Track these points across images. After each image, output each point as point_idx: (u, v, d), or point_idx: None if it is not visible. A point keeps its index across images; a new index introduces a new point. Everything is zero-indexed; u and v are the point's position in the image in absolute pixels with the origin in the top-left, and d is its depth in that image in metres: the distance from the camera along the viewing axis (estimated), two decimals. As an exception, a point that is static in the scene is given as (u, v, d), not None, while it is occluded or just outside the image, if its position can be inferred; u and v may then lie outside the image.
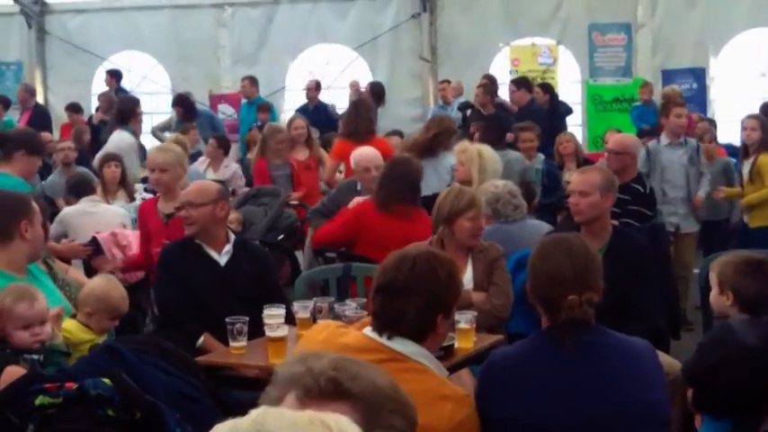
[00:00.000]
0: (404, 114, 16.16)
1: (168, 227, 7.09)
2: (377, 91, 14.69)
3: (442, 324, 3.65)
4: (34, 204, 5.14)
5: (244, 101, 15.91)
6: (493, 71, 16.17)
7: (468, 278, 5.94)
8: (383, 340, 3.59)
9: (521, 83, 13.46)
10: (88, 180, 8.88)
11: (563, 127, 12.81)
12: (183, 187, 7.07)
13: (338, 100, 16.50)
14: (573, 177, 6.30)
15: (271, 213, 9.07)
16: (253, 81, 15.52)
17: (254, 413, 1.82)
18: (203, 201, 6.04)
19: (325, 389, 2.21)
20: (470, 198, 6.06)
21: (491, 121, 11.52)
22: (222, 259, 6.01)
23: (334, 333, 3.77)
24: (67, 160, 10.96)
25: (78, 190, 8.64)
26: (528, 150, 10.52)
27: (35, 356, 4.32)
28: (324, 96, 16.62)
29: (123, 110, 11.55)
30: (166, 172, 7.34)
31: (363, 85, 15.97)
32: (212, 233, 6.04)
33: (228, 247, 6.05)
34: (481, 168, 8.09)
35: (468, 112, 14.31)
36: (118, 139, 11.08)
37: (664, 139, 9.85)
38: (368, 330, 3.68)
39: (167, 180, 7.34)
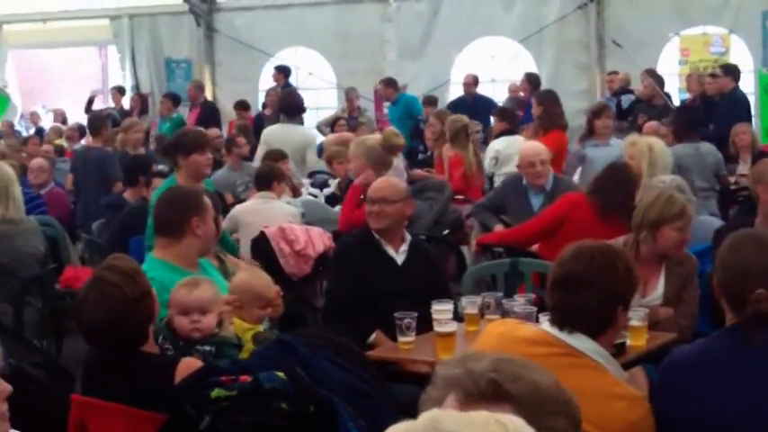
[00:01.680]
0: (570, 107, 15.82)
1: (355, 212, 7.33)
2: (534, 81, 14.54)
3: (621, 316, 3.64)
4: (206, 200, 5.23)
5: (386, 103, 16.06)
6: (662, 62, 15.84)
7: (658, 293, 5.72)
8: (560, 335, 3.57)
9: (729, 69, 13.13)
10: (274, 175, 8.95)
11: (737, 118, 12.44)
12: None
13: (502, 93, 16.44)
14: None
15: (437, 208, 9.03)
16: (387, 83, 15.52)
17: (428, 413, 1.80)
18: (397, 197, 6.08)
19: (485, 391, 2.18)
20: (681, 207, 5.68)
21: (685, 112, 11.23)
22: (399, 258, 6.01)
23: (512, 327, 3.79)
24: (242, 155, 11.20)
25: (262, 181, 8.74)
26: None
27: (207, 348, 4.39)
28: (488, 89, 16.54)
29: (291, 104, 11.68)
30: (350, 162, 7.69)
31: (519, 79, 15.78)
32: (394, 231, 6.05)
33: (405, 247, 6.05)
34: (651, 162, 7.88)
35: (630, 98, 14.09)
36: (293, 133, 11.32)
37: None
38: (546, 325, 3.68)
39: (350, 169, 7.50)
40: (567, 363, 3.45)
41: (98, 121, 12.58)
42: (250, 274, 5.19)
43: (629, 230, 6.07)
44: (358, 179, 7.88)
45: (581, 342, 3.54)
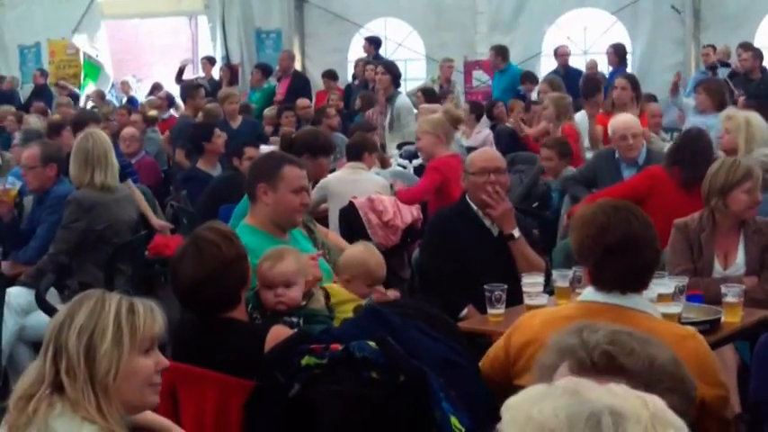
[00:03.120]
0: (665, 80, 15.59)
1: None
2: (620, 53, 14.34)
3: None
4: (284, 170, 5.15)
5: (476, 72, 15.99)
6: (759, 36, 15.48)
7: (739, 262, 5.70)
8: (613, 299, 3.63)
9: None
10: (365, 146, 8.94)
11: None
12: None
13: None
14: None
15: (526, 181, 8.99)
16: (498, 51, 15.34)
17: (567, 380, 1.79)
18: (505, 167, 6.14)
19: (598, 363, 2.17)
20: (747, 169, 5.73)
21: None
22: (495, 229, 5.94)
23: (550, 312, 3.90)
24: (332, 126, 11.25)
25: (354, 152, 8.75)
26: None
27: (294, 319, 4.40)
28: (580, 62, 16.32)
29: (398, 75, 11.76)
30: (420, 140, 7.82)
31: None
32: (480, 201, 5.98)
33: None
34: (748, 137, 7.72)
35: (725, 71, 13.83)
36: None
37: None
38: (590, 294, 3.71)
39: (421, 146, 7.73)
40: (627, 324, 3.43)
41: (187, 91, 12.73)
42: (365, 251, 5.22)
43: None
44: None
45: (634, 301, 3.64)
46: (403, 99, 11.55)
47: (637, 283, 3.66)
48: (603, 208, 3.75)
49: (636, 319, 3.53)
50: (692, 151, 6.97)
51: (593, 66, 15.62)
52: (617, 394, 1.71)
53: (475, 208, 5.96)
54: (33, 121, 12.75)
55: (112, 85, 21.39)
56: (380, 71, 11.73)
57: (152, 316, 2.97)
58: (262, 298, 4.47)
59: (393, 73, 11.63)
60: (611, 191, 7.37)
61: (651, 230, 3.70)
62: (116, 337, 2.88)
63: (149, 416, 3.36)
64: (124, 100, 19.38)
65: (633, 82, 10.10)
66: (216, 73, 18.17)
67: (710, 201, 5.73)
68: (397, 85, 11.63)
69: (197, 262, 4.02)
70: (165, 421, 3.44)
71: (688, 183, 6.77)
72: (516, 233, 5.84)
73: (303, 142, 7.36)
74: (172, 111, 15.80)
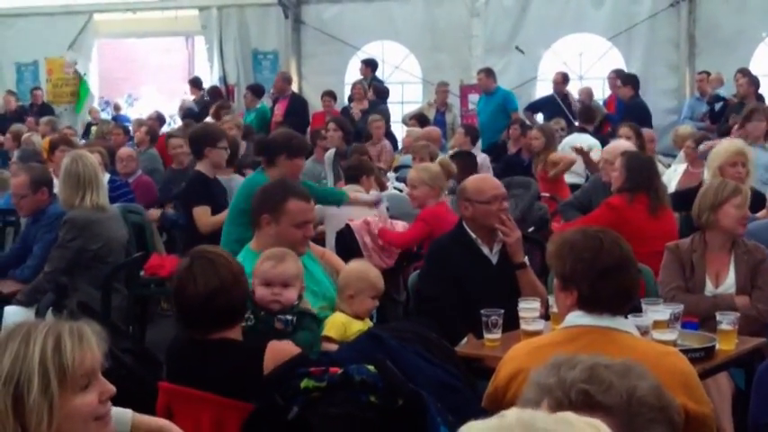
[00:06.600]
0: (659, 106, 15.67)
1: None
2: (632, 82, 14.40)
3: None
4: (290, 204, 5.25)
5: (472, 96, 16.04)
6: (754, 62, 15.51)
7: (730, 281, 5.81)
8: (608, 322, 3.65)
9: None
10: (363, 169, 8.94)
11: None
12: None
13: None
14: None
15: (521, 205, 8.99)
16: (488, 73, 15.40)
17: (522, 411, 1.80)
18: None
19: (575, 402, 2.18)
20: (735, 186, 5.95)
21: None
22: (494, 258, 5.92)
23: (535, 341, 3.96)
24: (327, 147, 11.26)
25: (352, 174, 8.79)
26: None
27: (289, 317, 4.52)
28: (575, 87, 16.36)
29: (349, 131, 11.81)
30: (416, 189, 7.89)
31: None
32: (491, 229, 5.95)
33: (498, 246, 5.91)
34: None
35: (718, 105, 13.90)
36: None
37: None
38: (577, 318, 3.71)
39: (416, 196, 7.90)
40: (613, 344, 3.53)
41: None
42: (364, 265, 5.41)
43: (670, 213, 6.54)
44: None
45: (619, 322, 3.69)
46: None
47: (627, 304, 3.76)
48: (590, 233, 3.79)
49: (618, 338, 3.60)
50: (648, 176, 7.22)
51: (587, 93, 15.67)
52: (572, 424, 1.76)
53: (473, 236, 5.90)
54: (36, 140, 12.83)
55: (106, 104, 21.40)
56: (332, 127, 11.58)
57: (82, 347, 2.69)
58: (257, 295, 4.55)
59: (345, 130, 11.62)
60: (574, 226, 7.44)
61: (632, 253, 3.79)
62: (43, 383, 2.61)
63: (146, 418, 3.35)
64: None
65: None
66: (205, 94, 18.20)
67: (701, 218, 5.88)
68: (349, 141, 11.62)
69: (211, 272, 4.02)
70: (162, 422, 3.43)
71: (654, 207, 7.05)
72: (527, 261, 5.86)
73: (279, 143, 7.46)
74: (164, 129, 15.85)
